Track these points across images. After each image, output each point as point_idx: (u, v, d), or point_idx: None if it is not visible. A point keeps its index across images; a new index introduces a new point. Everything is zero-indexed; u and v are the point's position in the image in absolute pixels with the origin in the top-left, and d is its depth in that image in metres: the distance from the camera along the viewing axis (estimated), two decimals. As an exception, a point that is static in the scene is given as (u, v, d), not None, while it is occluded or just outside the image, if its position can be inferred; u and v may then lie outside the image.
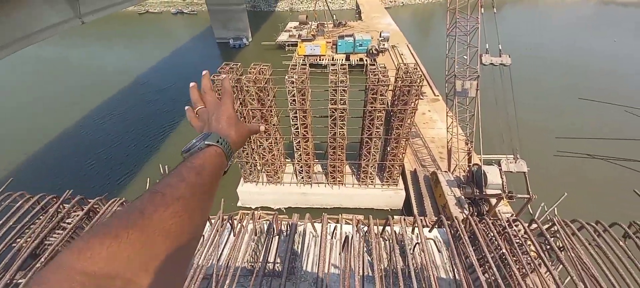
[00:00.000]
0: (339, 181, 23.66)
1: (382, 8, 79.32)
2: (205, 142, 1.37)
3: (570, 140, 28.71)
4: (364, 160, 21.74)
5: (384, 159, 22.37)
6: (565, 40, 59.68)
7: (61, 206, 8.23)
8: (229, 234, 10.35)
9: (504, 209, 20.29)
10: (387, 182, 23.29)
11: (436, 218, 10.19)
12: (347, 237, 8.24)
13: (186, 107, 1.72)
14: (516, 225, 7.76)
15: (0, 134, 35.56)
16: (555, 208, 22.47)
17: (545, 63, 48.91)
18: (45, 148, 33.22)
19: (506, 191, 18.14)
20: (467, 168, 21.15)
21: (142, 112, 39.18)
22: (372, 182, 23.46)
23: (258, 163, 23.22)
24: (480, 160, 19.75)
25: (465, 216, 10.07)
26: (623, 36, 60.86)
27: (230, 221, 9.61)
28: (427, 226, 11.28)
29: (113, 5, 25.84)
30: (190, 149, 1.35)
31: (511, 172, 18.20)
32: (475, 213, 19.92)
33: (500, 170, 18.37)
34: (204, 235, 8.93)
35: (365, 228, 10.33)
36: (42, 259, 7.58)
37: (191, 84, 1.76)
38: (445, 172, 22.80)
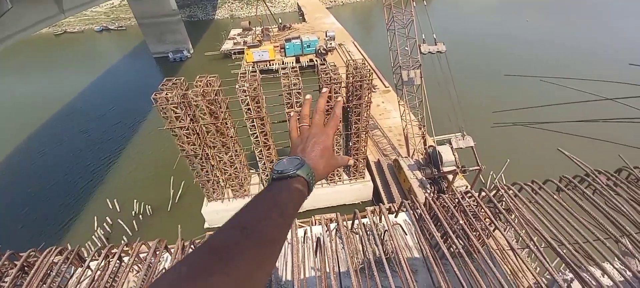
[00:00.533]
0: (306, 183, 23.58)
1: (324, 8, 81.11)
2: (297, 172, 1.32)
3: (503, 113, 32.44)
4: (328, 158, 21.98)
5: (348, 154, 22.92)
6: (487, 24, 67.49)
7: None
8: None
9: (461, 182, 22.21)
10: (354, 175, 23.90)
11: (400, 202, 10.72)
12: (318, 239, 8.21)
13: (292, 113, 1.77)
14: (469, 197, 8.52)
15: None
16: (503, 175, 25.29)
17: (474, 45, 54.69)
18: None
19: (459, 166, 19.86)
20: (424, 151, 22.68)
21: (78, 144, 34.58)
22: (340, 178, 23.87)
23: (221, 180, 22.06)
24: (434, 141, 21.34)
25: (425, 197, 10.74)
26: (533, 16, 70.85)
27: (192, 247, 8.95)
28: (393, 212, 11.80)
29: (23, 30, 22.30)
30: (282, 173, 1.31)
31: (461, 148, 19.97)
32: (437, 191, 21.49)
33: (451, 148, 20.04)
34: (165, 268, 8.17)
35: (336, 225, 10.42)
36: None
37: (307, 96, 1.83)
38: (406, 157, 24.16)
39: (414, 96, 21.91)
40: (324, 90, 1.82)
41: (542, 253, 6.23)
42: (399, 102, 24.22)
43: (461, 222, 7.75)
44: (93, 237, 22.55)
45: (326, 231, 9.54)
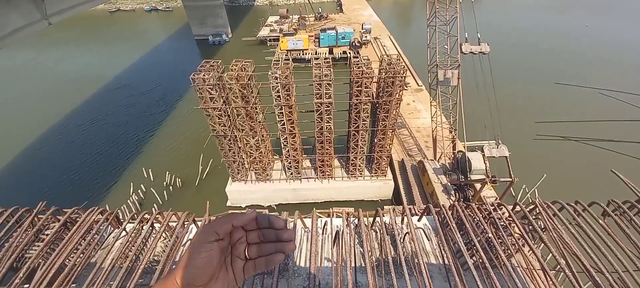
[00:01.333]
0: (328, 175, 23.71)
1: (363, 0, 79.23)
2: None
3: (548, 124, 29.98)
4: (352, 152, 21.85)
5: (372, 151, 22.57)
6: (542, 26, 61.84)
7: (36, 218, 7.79)
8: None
9: (489, 193, 21.03)
10: (376, 173, 23.56)
11: (424, 206, 10.38)
12: (337, 232, 8.26)
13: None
14: (500, 209, 8.02)
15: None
16: (536, 190, 23.51)
17: (523, 49, 50.59)
18: (19, 159, 31.36)
19: (490, 176, 18.76)
20: (452, 156, 21.68)
21: (122, 117, 37.56)
22: (361, 174, 23.66)
23: (246, 162, 22.88)
24: (464, 147, 20.29)
25: (452, 203, 10.31)
26: (593, 21, 63.74)
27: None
28: (416, 214, 11.49)
29: (81, 4, 24.42)
30: None
31: (494, 157, 18.81)
32: (462, 199, 20.54)
33: (483, 155, 18.94)
34: (191, 240, 8.74)
35: (356, 221, 10.39)
36: (21, 274, 7.18)
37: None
38: (432, 160, 23.29)
39: (448, 97, 20.88)
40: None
41: (578, 279, 5.74)
42: (431, 102, 23.23)
43: (490, 234, 7.34)
44: (128, 201, 24.58)
45: (346, 225, 9.57)
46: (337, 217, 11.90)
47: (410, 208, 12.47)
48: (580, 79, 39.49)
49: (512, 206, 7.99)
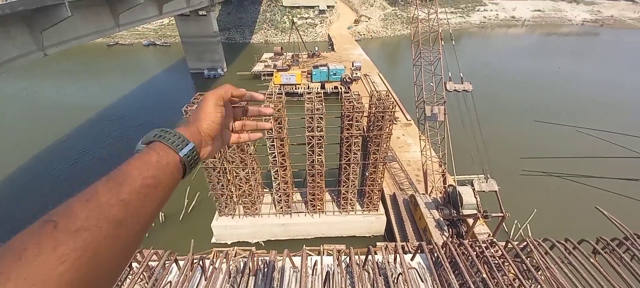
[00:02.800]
0: (319, 209, 23.21)
1: (353, 40, 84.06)
2: (142, 144, 1.15)
3: (533, 160, 30.96)
4: (344, 186, 21.67)
5: (363, 185, 22.45)
6: (517, 66, 66.33)
7: None
8: (201, 277, 9.51)
9: (481, 229, 20.84)
10: (368, 207, 23.22)
11: (417, 244, 10.13)
12: (328, 272, 7.87)
13: None
14: (493, 247, 7.89)
15: None
16: (528, 225, 23.50)
17: (502, 88, 53.55)
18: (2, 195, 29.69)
19: (481, 211, 18.73)
20: (443, 190, 21.74)
21: (116, 149, 36.68)
22: (352, 208, 23.27)
23: (234, 195, 22.28)
24: (455, 181, 20.46)
25: (444, 240, 10.11)
26: (566, 63, 68.93)
27: (201, 263, 8.86)
28: (410, 252, 11.16)
29: (78, 38, 24.97)
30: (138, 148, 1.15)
31: (484, 191, 18.94)
32: (455, 234, 20.23)
33: (473, 190, 19.06)
34: (170, 282, 8.09)
35: (348, 259, 9.99)
36: None
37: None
38: (423, 194, 23.25)
39: (436, 132, 21.47)
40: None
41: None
42: (420, 136, 23.78)
43: (484, 274, 7.13)
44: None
45: (337, 264, 9.17)
46: (327, 255, 11.42)
47: (403, 246, 12.14)
48: (558, 117, 41.65)
49: (504, 243, 7.88)
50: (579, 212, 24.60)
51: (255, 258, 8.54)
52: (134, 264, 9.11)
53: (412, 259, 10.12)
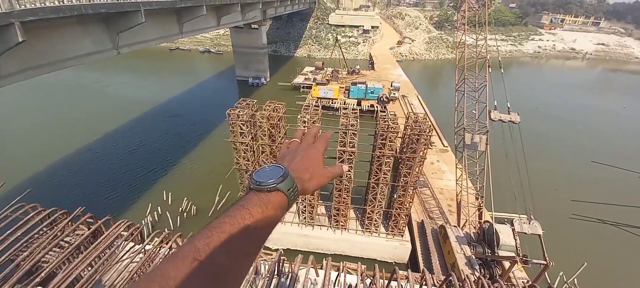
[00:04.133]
0: (342, 225, 22.92)
1: (394, 60, 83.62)
2: (275, 185, 1.20)
3: (585, 203, 27.65)
4: (370, 205, 21.25)
5: (390, 207, 21.80)
6: (574, 102, 60.35)
7: (69, 223, 8.28)
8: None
9: (519, 274, 18.91)
10: (393, 231, 22.39)
11: (445, 276, 9.56)
12: (350, 287, 7.77)
13: (284, 140, 1.78)
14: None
15: (28, 149, 37.21)
16: (575, 280, 20.77)
17: (556, 123, 48.97)
18: (70, 165, 34.16)
19: (520, 254, 17.04)
20: (478, 225, 20.24)
21: (163, 143, 40.19)
22: (376, 229, 22.61)
23: (262, 199, 22.97)
24: (492, 217, 18.96)
25: (476, 277, 9.41)
26: (631, 103, 61.20)
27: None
28: (435, 285, 10.54)
29: (148, 41, 28.36)
30: (260, 185, 1.19)
31: (525, 233, 17.27)
32: (488, 276, 18.57)
33: (513, 230, 17.48)
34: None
35: (369, 281, 9.75)
36: (38, 279, 7.38)
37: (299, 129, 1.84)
38: (455, 226, 21.84)
39: (474, 162, 20.25)
40: (317, 124, 1.81)
41: None
42: (456, 164, 22.59)
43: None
44: (142, 221, 25.14)
45: (360, 281, 9.01)
46: (349, 273, 11.19)
47: (430, 277, 11.51)
48: (619, 161, 36.83)
49: None
50: (634, 268, 21.34)
51: (281, 261, 8.74)
52: (174, 246, 9.83)
53: None
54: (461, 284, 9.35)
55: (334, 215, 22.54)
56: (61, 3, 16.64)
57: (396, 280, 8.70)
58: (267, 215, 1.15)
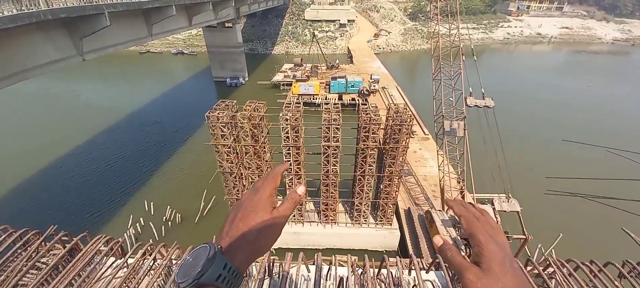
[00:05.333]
0: (332, 219, 23.09)
1: (372, 53, 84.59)
2: (196, 280, 0.96)
3: (559, 179, 29.49)
4: (357, 198, 21.52)
5: (378, 197, 22.19)
6: (543, 84, 63.85)
7: (43, 243, 7.76)
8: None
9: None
10: (381, 220, 22.84)
11: (433, 259, 9.87)
12: (341, 279, 7.83)
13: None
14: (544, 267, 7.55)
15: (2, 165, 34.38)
16: (553, 250, 22.16)
17: (527, 105, 51.64)
18: (42, 183, 31.90)
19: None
20: (461, 207, 21.02)
21: (139, 147, 38.58)
22: (365, 220, 22.97)
23: (249, 201, 22.64)
24: (474, 199, 19.78)
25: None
26: (596, 82, 65.61)
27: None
28: (424, 268, 10.87)
29: (115, 45, 26.87)
30: (181, 285, 0.97)
31: (504, 211, 18.18)
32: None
33: (493, 209, 18.35)
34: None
35: (360, 271, 9.87)
36: None
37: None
38: (440, 211, 22.60)
39: (454, 148, 20.98)
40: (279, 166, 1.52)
41: None
42: (438, 151, 23.32)
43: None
44: (125, 234, 24.10)
45: (351, 273, 9.09)
46: (340, 266, 11.28)
47: (418, 261, 11.83)
48: (588, 137, 39.52)
49: (524, 263, 7.53)
50: (606, 235, 23.14)
51: (272, 262, 8.64)
52: (158, 260, 9.46)
53: (426, 273, 9.85)
54: (447, 265, 9.64)
55: (323, 210, 22.65)
56: (19, 11, 15.42)
57: (386, 268, 8.87)
58: None
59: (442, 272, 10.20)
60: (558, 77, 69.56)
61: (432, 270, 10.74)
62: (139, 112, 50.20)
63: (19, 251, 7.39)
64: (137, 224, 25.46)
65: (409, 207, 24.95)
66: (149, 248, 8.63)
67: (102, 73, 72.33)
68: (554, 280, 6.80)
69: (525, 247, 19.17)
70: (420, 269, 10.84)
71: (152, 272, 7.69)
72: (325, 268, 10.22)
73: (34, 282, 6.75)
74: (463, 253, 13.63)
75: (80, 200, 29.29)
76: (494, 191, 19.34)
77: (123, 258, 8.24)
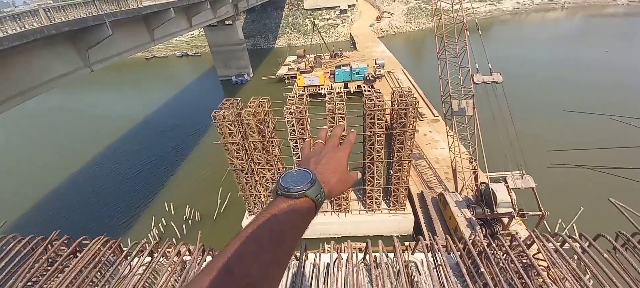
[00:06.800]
0: (345, 208, 23.23)
1: (375, 37, 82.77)
2: (304, 191, 1.17)
3: (562, 152, 28.66)
4: (368, 185, 21.50)
5: (389, 183, 22.11)
6: (557, 54, 60.91)
7: (48, 246, 8.27)
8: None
9: (518, 228, 19.54)
10: (394, 206, 22.80)
11: (445, 241, 9.84)
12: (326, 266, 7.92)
13: (306, 139, 1.79)
14: (530, 243, 7.43)
15: (12, 178, 36.29)
16: (574, 225, 21.57)
17: (536, 79, 49.46)
18: (53, 193, 33.57)
19: (517, 209, 17.58)
20: (475, 188, 20.71)
21: (156, 151, 39.69)
22: (378, 207, 22.99)
23: (262, 195, 23.05)
24: (487, 178, 19.39)
25: (475, 237, 9.70)
26: (613, 46, 62.00)
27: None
28: (439, 251, 10.86)
29: (120, 53, 27.40)
30: (289, 192, 1.17)
31: (519, 188, 17.76)
32: (489, 234, 19.17)
33: (507, 187, 17.95)
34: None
35: (378, 255, 9.96)
36: None
37: (324, 127, 1.83)
38: (453, 192, 22.32)
39: (465, 127, 20.51)
40: (341, 123, 1.78)
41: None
42: (447, 132, 22.87)
43: (519, 269, 6.69)
44: (149, 235, 25.08)
45: (362, 261, 9.21)
46: (365, 252, 11.40)
47: (433, 243, 11.79)
48: (592, 106, 37.62)
49: (509, 241, 7.40)
50: (609, 205, 22.24)
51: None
52: (164, 258, 9.85)
53: (412, 253, 9.87)
54: (462, 245, 9.61)
55: (335, 200, 22.78)
56: (23, 28, 15.89)
57: (398, 251, 8.90)
58: (296, 223, 1.13)
59: (457, 252, 10.16)
60: (573, 45, 66.09)
61: (447, 251, 10.70)
62: (151, 118, 51.35)
63: (28, 256, 7.92)
64: (160, 225, 26.45)
65: (421, 191, 24.74)
66: (154, 248, 8.99)
67: (114, 82, 74.08)
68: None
69: (544, 222, 18.74)
70: (436, 251, 10.84)
71: (168, 271, 8.02)
72: (333, 255, 10.36)
73: (40, 283, 7.21)
74: (480, 234, 13.30)
75: (107, 208, 30.61)
76: (507, 169, 18.87)
77: (126, 258, 8.67)
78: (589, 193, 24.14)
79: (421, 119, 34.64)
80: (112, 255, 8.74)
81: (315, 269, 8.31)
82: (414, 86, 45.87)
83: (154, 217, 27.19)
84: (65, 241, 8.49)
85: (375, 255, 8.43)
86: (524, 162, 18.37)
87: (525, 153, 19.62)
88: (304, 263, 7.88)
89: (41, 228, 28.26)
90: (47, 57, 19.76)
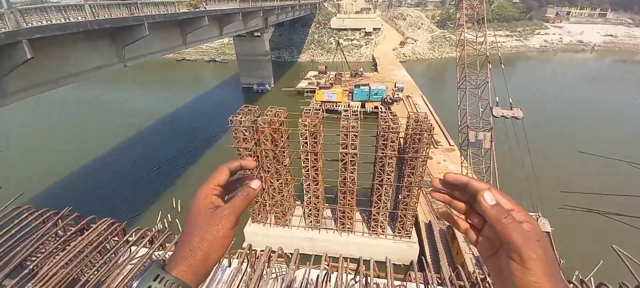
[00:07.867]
0: (348, 228, 22.82)
1: (397, 61, 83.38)
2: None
3: (575, 194, 27.17)
4: (375, 207, 21.12)
5: (396, 208, 21.63)
6: (583, 95, 58.75)
7: (59, 221, 8.67)
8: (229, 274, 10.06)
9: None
10: (400, 232, 22.16)
11: (446, 274, 9.45)
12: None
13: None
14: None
15: (39, 155, 38.44)
16: (592, 279, 20.06)
17: (564, 117, 47.69)
18: (74, 173, 35.22)
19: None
20: (486, 224, 19.85)
21: (176, 147, 41.07)
22: (383, 231, 22.43)
23: (267, 204, 23.12)
24: (499, 215, 18.58)
25: (483, 277, 9.26)
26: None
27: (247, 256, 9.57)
28: (431, 283, 10.41)
29: (153, 53, 29.10)
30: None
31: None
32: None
33: (521, 227, 17.10)
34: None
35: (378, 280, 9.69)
36: (29, 267, 7.74)
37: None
38: (462, 226, 21.47)
39: (480, 160, 19.98)
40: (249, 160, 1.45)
41: None
42: (462, 163, 22.32)
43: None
44: (153, 228, 25.54)
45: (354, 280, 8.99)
46: (349, 272, 11.15)
47: (438, 278, 11.31)
48: (611, 149, 35.75)
49: None
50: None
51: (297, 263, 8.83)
52: (166, 247, 10.01)
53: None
54: (462, 284, 9.20)
55: (340, 218, 22.48)
56: (67, 20, 17.29)
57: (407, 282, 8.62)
58: None
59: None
60: (601, 88, 63.56)
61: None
62: (175, 116, 53.35)
63: (39, 228, 8.33)
64: (165, 220, 26.95)
65: (430, 221, 24.00)
66: (154, 236, 9.19)
67: (144, 80, 78.05)
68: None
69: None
70: (438, 285, 10.41)
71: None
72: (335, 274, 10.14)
73: (44, 254, 7.51)
74: (488, 276, 12.72)
75: (120, 194, 31.73)
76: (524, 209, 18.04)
77: (127, 244, 8.92)
78: (600, 239, 22.60)
79: (436, 146, 34.07)
80: (114, 238, 9.04)
81: (306, 282, 8.20)
82: (431, 113, 45.44)
83: (160, 212, 27.79)
84: (76, 218, 8.88)
85: (366, 277, 8.22)
86: (540, 203, 17.52)
87: (549, 195, 18.75)
88: (296, 277, 7.80)
89: (56, 202, 29.51)
90: (86, 49, 21.31)
